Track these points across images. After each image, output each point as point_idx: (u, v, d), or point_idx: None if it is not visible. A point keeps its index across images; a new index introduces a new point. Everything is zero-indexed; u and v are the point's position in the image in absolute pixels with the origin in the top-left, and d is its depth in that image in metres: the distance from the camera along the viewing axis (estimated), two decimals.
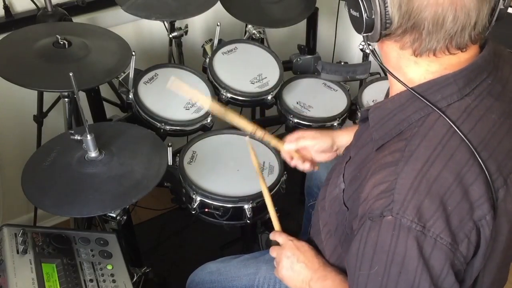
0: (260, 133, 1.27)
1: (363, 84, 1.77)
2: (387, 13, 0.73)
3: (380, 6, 0.73)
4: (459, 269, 0.75)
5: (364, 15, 0.75)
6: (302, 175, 1.58)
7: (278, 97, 1.70)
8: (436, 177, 0.72)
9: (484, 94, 0.80)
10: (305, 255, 1.06)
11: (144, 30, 1.95)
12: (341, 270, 1.02)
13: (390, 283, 0.75)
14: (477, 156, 0.74)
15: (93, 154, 1.19)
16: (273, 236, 1.15)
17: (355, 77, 1.72)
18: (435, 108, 0.76)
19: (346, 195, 0.90)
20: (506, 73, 0.84)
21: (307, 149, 1.26)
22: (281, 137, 1.31)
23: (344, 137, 1.23)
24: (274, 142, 1.30)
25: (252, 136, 1.32)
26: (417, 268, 0.72)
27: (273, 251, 1.12)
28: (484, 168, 0.73)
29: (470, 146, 0.74)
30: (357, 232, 0.79)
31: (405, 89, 0.81)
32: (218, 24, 1.71)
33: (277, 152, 1.49)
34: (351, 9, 0.78)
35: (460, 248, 0.73)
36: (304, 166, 1.27)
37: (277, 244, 1.13)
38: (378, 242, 0.75)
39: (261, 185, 1.22)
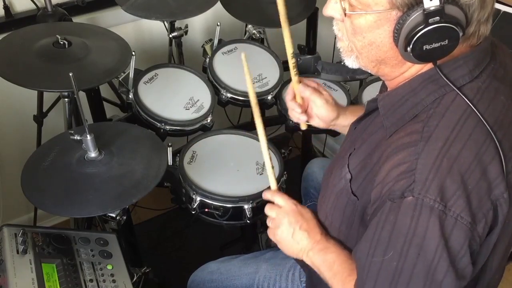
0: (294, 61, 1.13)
1: (363, 84, 1.77)
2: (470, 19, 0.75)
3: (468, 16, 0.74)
4: (474, 249, 0.76)
5: (460, 34, 0.73)
6: (301, 176, 1.58)
7: (278, 97, 1.69)
8: (456, 156, 0.73)
9: (491, 77, 0.81)
10: (308, 223, 1.01)
11: (144, 30, 1.95)
12: (344, 247, 0.97)
13: (407, 266, 0.75)
14: (493, 135, 0.75)
15: (93, 154, 1.19)
16: (271, 195, 1.07)
17: (355, 77, 1.72)
18: (454, 88, 0.77)
19: (354, 184, 0.89)
20: (502, 57, 0.86)
21: (309, 103, 1.19)
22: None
23: (348, 119, 1.17)
24: (294, 76, 1.15)
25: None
26: (437, 248, 0.73)
27: (272, 210, 1.05)
28: (499, 148, 0.75)
29: (487, 126, 0.75)
30: (374, 216, 0.79)
31: (415, 75, 0.82)
32: (218, 24, 1.71)
33: (277, 152, 1.49)
34: (432, 44, 0.74)
35: (478, 228, 0.74)
36: (299, 115, 1.18)
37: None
38: (396, 224, 0.75)
39: (257, 125, 1.07)
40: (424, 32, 0.72)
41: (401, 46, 0.75)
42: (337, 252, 0.96)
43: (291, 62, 1.10)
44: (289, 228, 1.01)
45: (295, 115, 1.20)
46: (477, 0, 0.73)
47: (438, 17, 0.71)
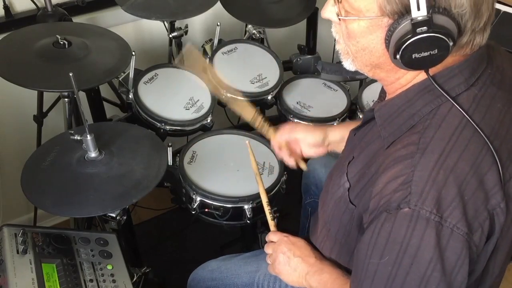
0: (258, 121, 1.27)
1: (363, 84, 1.77)
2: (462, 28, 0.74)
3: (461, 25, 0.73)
4: (472, 259, 0.76)
5: (450, 44, 0.72)
6: (301, 174, 1.58)
7: (278, 97, 1.70)
8: (452, 168, 0.73)
9: (487, 84, 0.81)
10: (301, 250, 1.06)
11: (144, 30, 1.95)
12: (338, 266, 1.02)
13: (400, 274, 0.75)
14: (490, 145, 0.75)
15: (93, 154, 1.19)
16: (268, 237, 1.15)
17: (355, 77, 1.73)
18: (449, 99, 0.77)
19: (352, 193, 0.90)
20: (499, 62, 0.86)
21: (298, 143, 1.24)
22: (275, 123, 1.31)
23: (337, 133, 1.22)
24: (269, 131, 1.28)
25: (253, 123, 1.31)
26: (431, 260, 0.73)
27: (269, 247, 1.12)
28: (496, 158, 0.75)
29: (483, 136, 0.75)
30: (370, 224, 0.80)
31: (412, 85, 0.82)
32: (218, 24, 1.71)
33: None
34: (421, 53, 0.74)
35: (474, 238, 0.74)
36: (290, 161, 1.26)
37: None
38: (392, 233, 0.75)
39: (260, 190, 1.22)
40: (412, 41, 0.72)
41: (391, 53, 0.75)
42: (330, 271, 1.01)
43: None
44: (284, 257, 1.07)
45: (290, 163, 1.26)
46: (469, 10, 0.72)
47: (425, 27, 0.71)
